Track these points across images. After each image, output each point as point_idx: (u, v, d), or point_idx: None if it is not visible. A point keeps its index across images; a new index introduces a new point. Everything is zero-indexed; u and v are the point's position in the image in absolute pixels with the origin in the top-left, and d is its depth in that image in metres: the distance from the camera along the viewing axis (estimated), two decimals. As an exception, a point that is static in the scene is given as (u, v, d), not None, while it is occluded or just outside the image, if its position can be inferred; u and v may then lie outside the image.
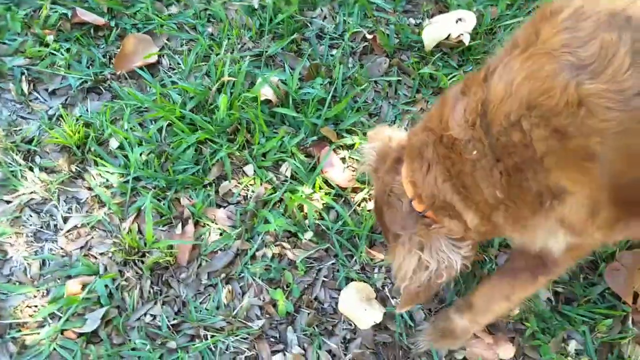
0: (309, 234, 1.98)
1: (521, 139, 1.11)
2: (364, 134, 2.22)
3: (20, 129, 2.16)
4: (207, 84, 2.25)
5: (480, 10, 2.54)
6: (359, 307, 1.83)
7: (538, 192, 1.16)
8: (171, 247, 1.91)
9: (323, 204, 2.06)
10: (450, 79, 2.39)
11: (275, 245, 1.97)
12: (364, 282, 1.92)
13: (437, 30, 2.46)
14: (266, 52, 2.39)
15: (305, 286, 1.91)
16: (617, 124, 1.00)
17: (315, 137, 2.20)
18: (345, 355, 1.82)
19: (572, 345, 1.88)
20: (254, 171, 2.12)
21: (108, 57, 2.37)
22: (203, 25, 2.44)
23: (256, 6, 2.48)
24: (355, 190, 2.12)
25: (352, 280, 1.92)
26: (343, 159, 2.19)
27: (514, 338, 1.88)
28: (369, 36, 2.48)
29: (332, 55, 2.44)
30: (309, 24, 2.50)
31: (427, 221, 1.41)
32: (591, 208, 1.16)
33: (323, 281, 1.92)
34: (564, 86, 1.02)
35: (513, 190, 1.19)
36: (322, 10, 2.56)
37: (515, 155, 1.13)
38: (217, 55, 2.35)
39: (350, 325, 1.86)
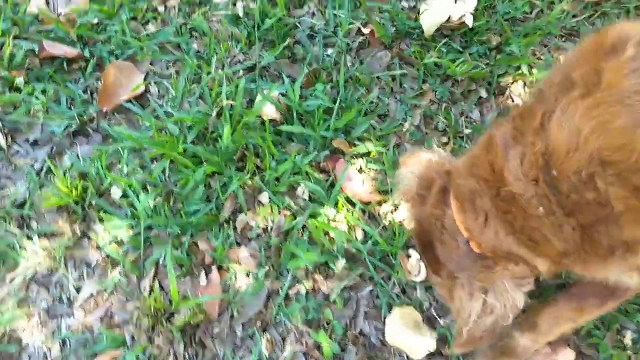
0: (341, 263, 1.86)
1: (595, 197, 1.01)
2: (378, 138, 2.09)
3: (8, 192, 1.97)
4: (204, 110, 2.08)
5: (478, -16, 2.37)
6: (408, 335, 1.74)
7: (610, 245, 1.08)
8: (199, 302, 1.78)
9: (348, 224, 1.93)
10: (457, 64, 2.24)
11: (308, 280, 1.85)
12: (408, 305, 1.82)
13: (436, 13, 2.30)
14: (259, 63, 2.20)
15: (347, 321, 1.81)
16: None
17: (327, 152, 2.06)
18: (403, 388, 1.73)
19: (628, 336, 1.82)
20: (270, 198, 1.98)
21: (89, 92, 2.17)
22: (187, 42, 2.24)
23: (241, 14, 2.28)
24: (379, 202, 2.00)
25: (394, 305, 1.82)
26: (360, 170, 2.06)
27: (568, 339, 1.82)
28: (365, 30, 2.31)
29: (328, 56, 2.27)
30: (298, 25, 2.32)
31: (488, 263, 1.30)
32: None
33: (365, 312, 1.81)
34: None
35: (585, 243, 1.10)
36: (309, 6, 2.37)
37: (589, 213, 1.05)
38: (208, 74, 2.16)
39: (402, 356, 1.76)
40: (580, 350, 1.81)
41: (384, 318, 1.80)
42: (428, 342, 1.72)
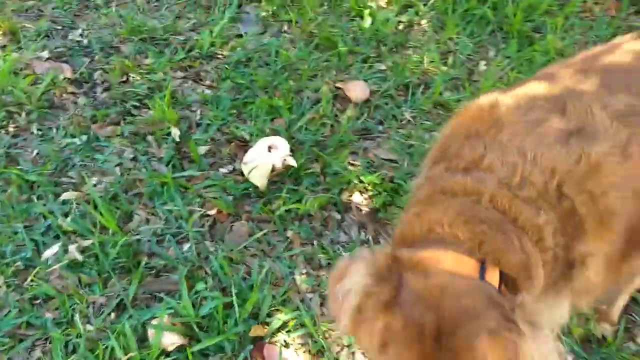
0: None
1: None
2: (282, 303, 2.04)
3: None
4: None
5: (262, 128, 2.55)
6: None
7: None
8: None
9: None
10: (305, 202, 2.34)
11: None
12: None
13: (259, 168, 2.37)
14: (127, 295, 1.98)
15: None
16: None
17: (250, 346, 1.92)
18: None
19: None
20: None
21: None
22: (36, 316, 1.90)
23: (79, 257, 2.03)
24: (324, 364, 1.93)
25: None
26: (286, 344, 1.97)
27: None
28: (211, 212, 2.27)
29: (188, 251, 2.16)
30: (140, 238, 2.16)
31: None
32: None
33: None
34: None
35: None
36: (139, 215, 2.24)
37: None
38: (79, 336, 1.86)
39: None
40: None
41: None
42: None
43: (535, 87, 1.38)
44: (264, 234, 2.26)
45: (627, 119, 1.23)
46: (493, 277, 1.14)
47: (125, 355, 1.75)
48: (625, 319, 2.17)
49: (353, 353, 1.98)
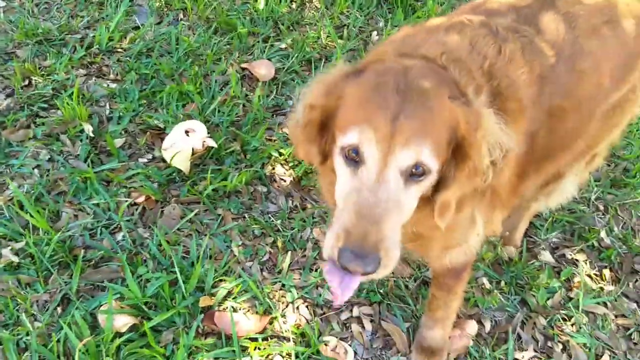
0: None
1: None
2: (225, 273, 2.14)
3: None
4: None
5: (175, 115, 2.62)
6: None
7: None
8: None
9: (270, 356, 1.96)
10: (232, 180, 2.44)
11: None
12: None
13: (181, 153, 2.43)
14: (70, 289, 2.00)
15: None
16: None
17: (201, 316, 2.01)
18: None
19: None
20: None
21: None
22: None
23: (14, 259, 2.01)
24: (271, 321, 2.06)
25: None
26: (234, 309, 2.07)
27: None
28: (139, 199, 2.31)
29: (123, 239, 2.20)
30: (72, 234, 2.17)
31: None
32: None
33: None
34: None
35: None
36: (67, 213, 2.24)
37: None
38: (28, 334, 1.87)
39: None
40: (481, 315, 2.23)
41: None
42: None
43: (443, 20, 1.61)
44: (195, 214, 2.33)
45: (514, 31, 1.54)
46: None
47: (80, 342, 1.78)
48: (526, 241, 2.49)
49: (297, 307, 2.13)
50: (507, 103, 1.47)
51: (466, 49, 1.46)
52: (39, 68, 2.78)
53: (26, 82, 2.69)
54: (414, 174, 1.23)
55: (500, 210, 1.78)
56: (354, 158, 1.23)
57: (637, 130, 3.05)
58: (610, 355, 2.16)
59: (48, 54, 2.87)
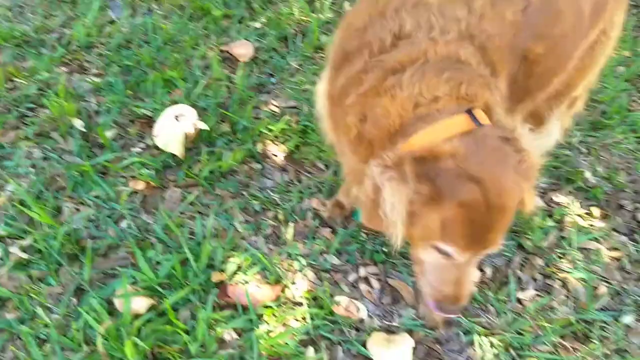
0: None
1: None
2: (233, 249, 2.19)
3: None
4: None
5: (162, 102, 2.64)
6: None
7: None
8: None
9: (286, 323, 2.02)
10: (227, 160, 2.48)
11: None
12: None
13: (174, 139, 2.47)
14: (83, 278, 2.04)
15: None
16: None
17: (216, 290, 2.07)
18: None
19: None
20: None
21: None
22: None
23: (23, 255, 2.04)
24: (283, 289, 2.13)
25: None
26: (245, 282, 2.13)
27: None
28: (139, 186, 2.35)
29: (129, 228, 2.24)
30: (75, 226, 2.21)
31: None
32: None
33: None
34: None
35: None
36: (68, 207, 2.27)
37: None
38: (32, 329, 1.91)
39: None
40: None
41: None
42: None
43: None
44: (196, 197, 2.38)
45: None
46: (482, 116, 1.40)
47: (101, 326, 1.83)
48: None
49: (306, 275, 2.19)
50: (491, 56, 1.54)
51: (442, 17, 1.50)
52: (21, 70, 2.77)
53: (10, 85, 2.69)
54: None
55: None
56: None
57: (610, 74, 3.15)
58: (606, 286, 2.26)
59: (28, 55, 2.87)
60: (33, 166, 2.39)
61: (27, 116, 2.59)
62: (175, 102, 2.68)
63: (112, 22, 3.15)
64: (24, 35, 2.96)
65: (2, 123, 2.52)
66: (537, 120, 2.07)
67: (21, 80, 2.72)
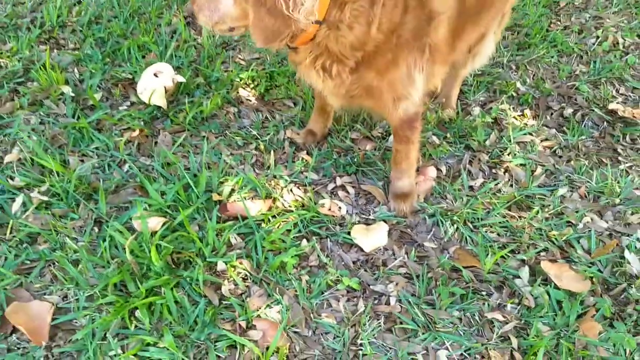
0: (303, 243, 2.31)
1: None
2: (227, 174, 2.52)
3: None
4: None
5: (140, 65, 2.94)
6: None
7: None
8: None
9: (286, 221, 2.37)
10: (206, 105, 2.81)
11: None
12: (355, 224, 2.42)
13: (156, 92, 2.77)
14: (98, 218, 2.34)
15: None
16: None
17: (217, 207, 2.39)
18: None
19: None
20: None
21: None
22: (33, 248, 2.19)
23: (45, 198, 2.33)
24: (275, 200, 2.48)
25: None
26: (237, 200, 2.47)
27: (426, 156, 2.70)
28: (134, 134, 2.65)
29: (127, 172, 2.54)
30: (84, 176, 2.50)
31: None
32: None
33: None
34: None
35: None
36: (72, 160, 2.56)
37: None
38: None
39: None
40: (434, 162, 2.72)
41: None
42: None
43: None
44: (184, 139, 2.70)
45: None
46: None
47: (127, 240, 2.14)
48: (460, 103, 2.99)
49: (291, 190, 2.55)
50: None
51: None
52: (3, 52, 3.02)
53: (-5, 67, 2.94)
54: None
55: (440, 64, 2.24)
56: None
57: (530, 2, 3.60)
58: (542, 168, 2.70)
59: (7, 39, 3.11)
60: (33, 130, 2.65)
61: (18, 91, 2.84)
62: (151, 64, 2.98)
63: (79, 2, 3.41)
64: (-2, 22, 3.19)
65: (-2, 97, 2.77)
66: (477, 38, 2.47)
67: (5, 61, 2.97)
